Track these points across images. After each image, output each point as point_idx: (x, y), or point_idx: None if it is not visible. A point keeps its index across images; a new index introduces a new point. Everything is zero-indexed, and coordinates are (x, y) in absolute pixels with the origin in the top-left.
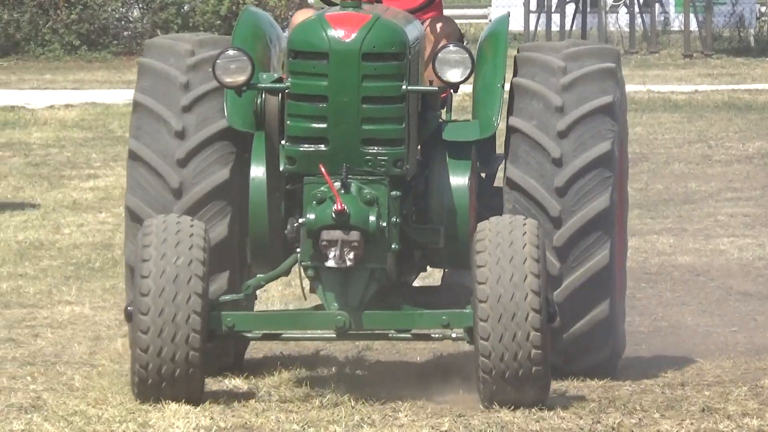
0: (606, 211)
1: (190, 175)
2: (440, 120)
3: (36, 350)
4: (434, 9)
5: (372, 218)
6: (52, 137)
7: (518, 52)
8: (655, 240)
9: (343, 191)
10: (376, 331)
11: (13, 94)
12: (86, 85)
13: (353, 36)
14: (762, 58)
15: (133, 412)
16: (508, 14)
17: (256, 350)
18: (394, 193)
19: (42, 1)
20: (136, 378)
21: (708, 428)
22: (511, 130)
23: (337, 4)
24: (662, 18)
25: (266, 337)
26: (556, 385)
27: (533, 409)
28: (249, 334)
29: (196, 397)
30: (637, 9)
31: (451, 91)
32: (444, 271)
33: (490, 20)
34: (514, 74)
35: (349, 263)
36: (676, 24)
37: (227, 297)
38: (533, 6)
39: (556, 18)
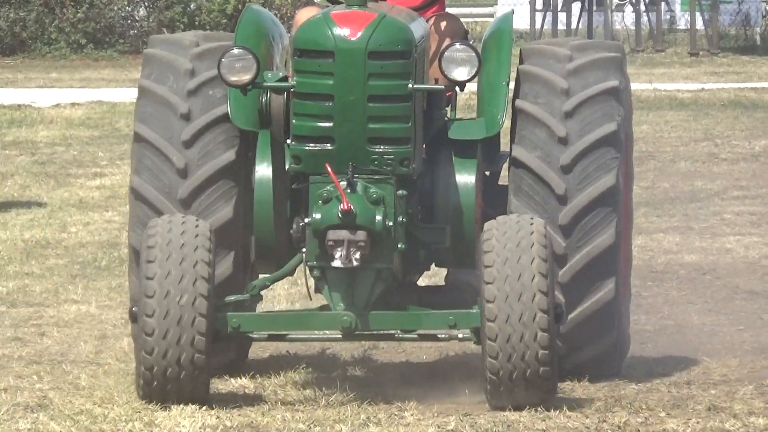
0: (612, 189)
1: (195, 156)
2: (445, 118)
3: (42, 349)
4: (438, 6)
5: (378, 218)
6: (58, 136)
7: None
8: (661, 238)
9: (349, 190)
10: (383, 332)
11: (19, 93)
12: (92, 84)
13: (359, 34)
14: None
15: (139, 411)
16: (512, 11)
17: (262, 349)
18: (400, 192)
19: (48, 0)
20: (141, 380)
21: (714, 427)
22: (517, 112)
23: (341, 2)
24: (668, 16)
25: (271, 338)
26: (562, 384)
27: (539, 408)
28: (254, 335)
29: (201, 398)
30: (643, 7)
31: (457, 89)
32: (447, 270)
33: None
34: (520, 64)
35: (355, 263)
36: (682, 22)
37: (232, 297)
38: (539, 4)
39: (562, 17)
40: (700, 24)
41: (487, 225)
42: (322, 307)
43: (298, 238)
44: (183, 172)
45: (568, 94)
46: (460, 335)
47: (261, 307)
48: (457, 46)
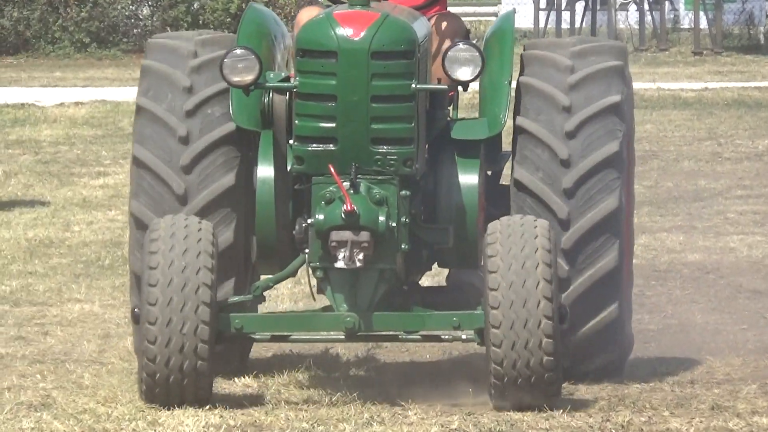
0: (614, 212)
1: (195, 181)
2: (448, 118)
3: (45, 348)
4: (439, 5)
5: (382, 218)
6: (62, 135)
7: (524, 49)
8: (664, 237)
9: (352, 191)
10: (386, 333)
11: (23, 92)
12: (96, 83)
13: (362, 34)
14: None
15: (143, 410)
16: (514, 10)
17: (265, 349)
18: (403, 192)
19: None
20: (143, 386)
21: (717, 426)
22: (518, 131)
23: (343, 2)
24: (672, 15)
25: (274, 339)
26: (565, 384)
27: (543, 407)
28: (257, 336)
29: (203, 403)
30: (646, 6)
31: (460, 88)
32: (449, 269)
33: None
34: (521, 73)
35: (358, 264)
36: (686, 21)
37: (235, 298)
38: (543, 3)
39: (566, 15)
40: (703, 23)
41: (490, 227)
42: (325, 308)
43: (301, 239)
44: (183, 198)
45: (569, 112)
46: (464, 336)
47: (264, 305)
48: (461, 45)
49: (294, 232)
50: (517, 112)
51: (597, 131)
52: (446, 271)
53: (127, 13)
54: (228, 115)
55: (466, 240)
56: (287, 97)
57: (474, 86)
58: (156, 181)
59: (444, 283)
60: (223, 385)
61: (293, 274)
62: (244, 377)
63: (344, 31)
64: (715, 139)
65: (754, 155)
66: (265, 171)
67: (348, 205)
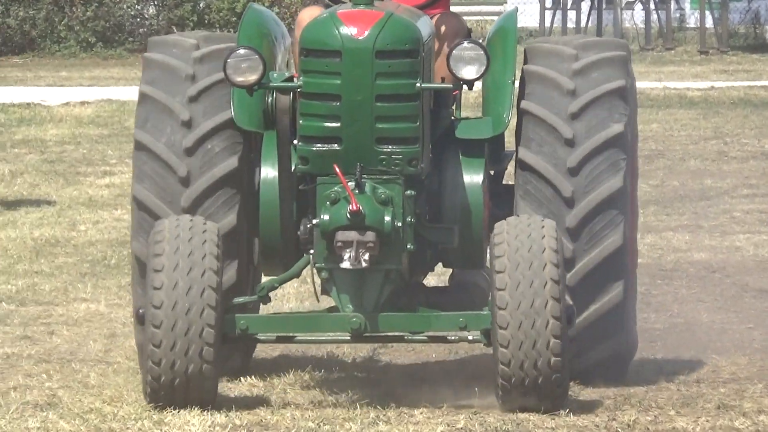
0: (619, 191)
1: (197, 164)
2: (452, 117)
3: (51, 348)
4: (441, 5)
5: (387, 218)
6: (67, 134)
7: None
8: (670, 237)
9: (357, 191)
10: (392, 334)
11: (29, 91)
12: (102, 82)
13: (366, 33)
14: None
15: (149, 410)
16: (516, 9)
17: (271, 349)
18: (408, 192)
19: None
20: (148, 389)
21: (723, 425)
22: (522, 113)
23: (344, 2)
24: (678, 14)
25: (280, 340)
26: (571, 383)
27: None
28: (262, 337)
29: (209, 405)
30: (652, 5)
31: (465, 87)
32: (452, 270)
33: None
34: (525, 64)
35: (364, 264)
36: (692, 20)
37: (240, 299)
38: (549, 2)
39: (571, 15)
40: (709, 22)
41: (497, 227)
42: (331, 309)
43: (306, 239)
44: (185, 180)
45: (574, 95)
46: (471, 337)
47: (270, 305)
48: (465, 44)
49: (299, 232)
50: (521, 97)
51: (601, 113)
52: (449, 270)
53: (132, 13)
54: (231, 101)
55: (471, 240)
56: (291, 97)
57: (477, 85)
58: (158, 163)
59: (447, 284)
60: (229, 385)
61: (298, 274)
62: (249, 377)
63: (348, 31)
64: (721, 138)
65: (760, 154)
66: (268, 172)
67: (353, 205)
